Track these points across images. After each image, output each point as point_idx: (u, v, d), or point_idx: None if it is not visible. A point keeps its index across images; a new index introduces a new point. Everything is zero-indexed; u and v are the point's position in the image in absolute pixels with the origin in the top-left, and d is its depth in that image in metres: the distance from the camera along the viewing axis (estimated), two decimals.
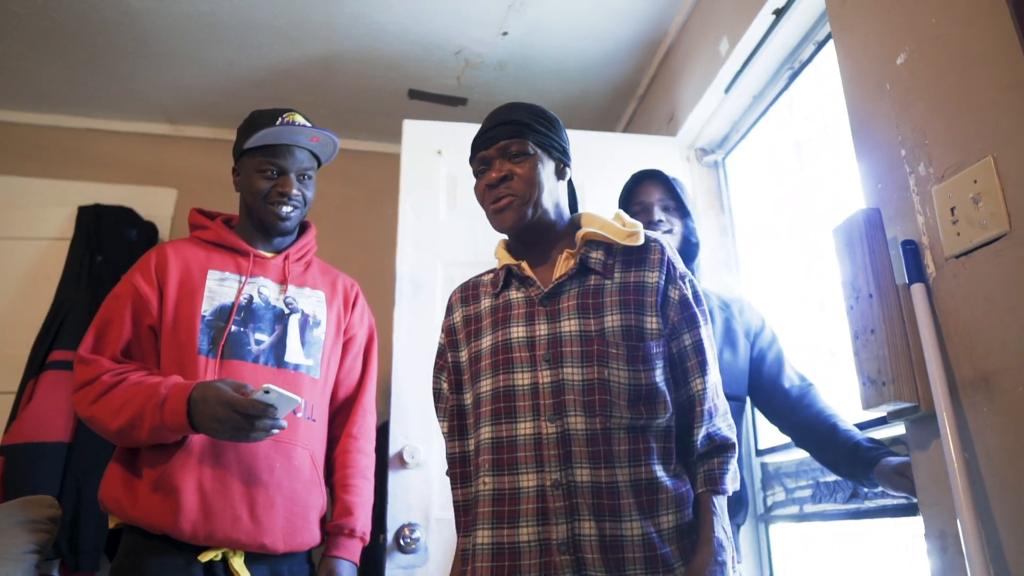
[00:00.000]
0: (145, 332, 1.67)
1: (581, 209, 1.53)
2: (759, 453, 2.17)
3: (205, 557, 1.53)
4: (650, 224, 1.82)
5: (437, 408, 1.50)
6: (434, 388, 1.51)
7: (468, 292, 1.51)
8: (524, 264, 1.42)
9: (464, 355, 1.44)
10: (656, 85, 2.79)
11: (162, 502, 1.51)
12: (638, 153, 2.43)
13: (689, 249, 1.87)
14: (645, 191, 1.88)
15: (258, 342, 1.69)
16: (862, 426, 1.70)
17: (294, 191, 1.77)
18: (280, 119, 1.75)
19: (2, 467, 2.39)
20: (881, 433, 1.66)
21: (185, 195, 3.13)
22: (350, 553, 1.74)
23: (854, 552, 1.88)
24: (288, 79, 2.89)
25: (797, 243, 2.13)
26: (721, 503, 1.31)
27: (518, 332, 1.36)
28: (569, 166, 1.48)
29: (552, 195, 1.44)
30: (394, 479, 2.03)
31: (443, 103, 2.98)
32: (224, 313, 1.69)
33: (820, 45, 1.99)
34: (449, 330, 1.50)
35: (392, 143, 3.22)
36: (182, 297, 1.68)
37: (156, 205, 3.07)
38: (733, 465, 1.33)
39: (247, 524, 1.56)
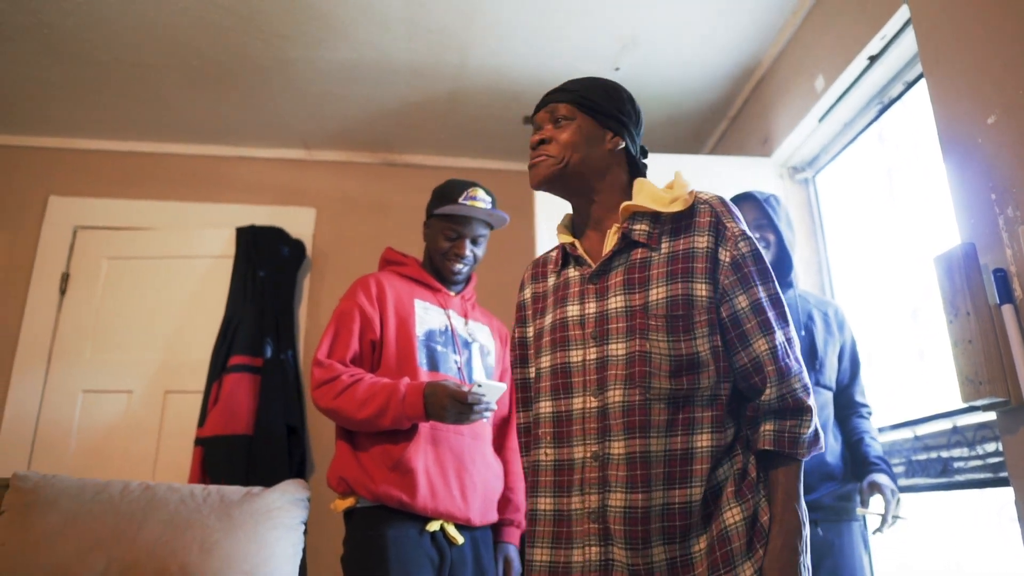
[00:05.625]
0: (367, 345, 2.07)
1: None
2: None
3: (432, 527, 1.94)
4: None
5: (514, 381, 1.56)
6: (511, 359, 1.57)
7: (538, 269, 1.54)
8: (576, 243, 1.44)
9: (530, 331, 1.50)
10: (749, 108, 3.11)
11: (401, 480, 1.91)
12: (737, 173, 2.76)
13: (783, 262, 2.16)
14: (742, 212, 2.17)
15: (455, 361, 2.12)
16: (954, 413, 2.04)
17: (467, 253, 2.19)
18: (465, 194, 2.16)
19: (201, 455, 2.85)
20: (970, 419, 1.99)
21: (323, 213, 3.54)
22: (516, 539, 2.21)
23: (945, 519, 2.22)
24: (417, 110, 3.27)
25: (888, 256, 2.45)
26: (794, 471, 1.28)
27: (572, 311, 1.39)
28: (623, 137, 1.45)
29: (597, 162, 1.42)
30: None
31: None
32: (433, 336, 2.11)
33: (909, 85, 2.29)
34: (520, 306, 1.55)
35: (506, 160, 3.62)
36: (400, 320, 2.08)
37: (299, 224, 3.47)
38: (811, 429, 1.29)
39: (459, 501, 1.97)
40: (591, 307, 1.37)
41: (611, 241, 1.40)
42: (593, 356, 1.33)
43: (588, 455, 1.29)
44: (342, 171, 3.64)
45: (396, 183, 3.62)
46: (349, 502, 1.99)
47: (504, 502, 2.21)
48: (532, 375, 1.47)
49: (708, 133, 3.46)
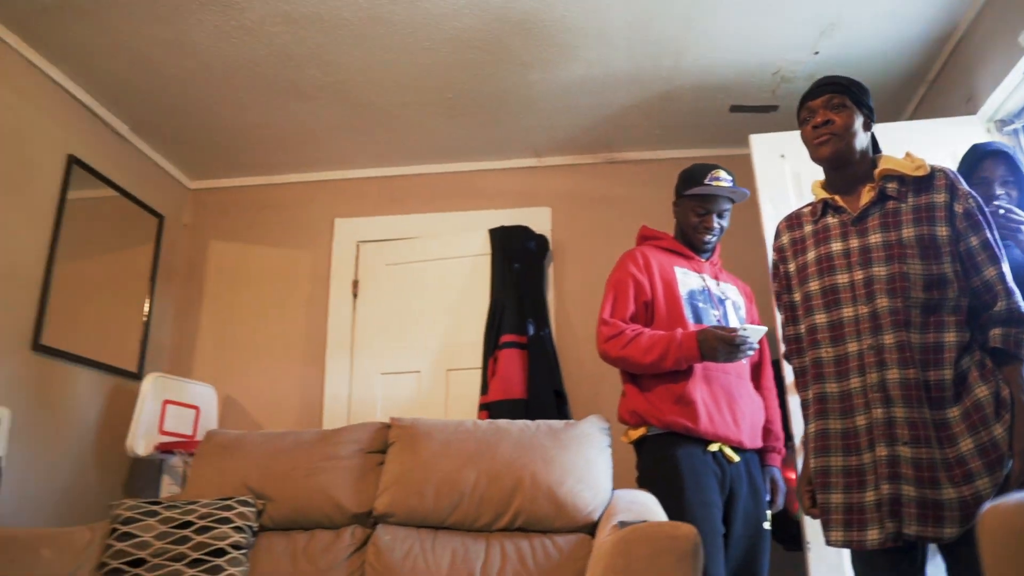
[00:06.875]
0: (640, 305, 2.55)
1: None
2: None
3: (712, 448, 2.39)
4: (990, 198, 2.27)
5: (777, 305, 2.10)
6: (775, 291, 2.11)
7: (793, 221, 2.08)
8: (837, 197, 1.94)
9: (792, 266, 2.02)
10: (948, 71, 3.32)
11: (684, 410, 2.37)
12: (943, 134, 2.99)
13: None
14: (988, 167, 2.33)
15: (714, 315, 2.56)
16: None
17: (715, 225, 2.62)
18: (709, 175, 2.59)
19: (487, 417, 3.46)
20: None
21: (557, 210, 4.10)
22: (779, 463, 2.64)
23: None
24: (633, 112, 3.75)
25: None
26: (1018, 369, 1.69)
27: (836, 246, 1.89)
28: (873, 121, 1.97)
29: (859, 141, 1.92)
30: (792, 401, 2.80)
31: (758, 112, 3.70)
32: (694, 295, 2.56)
33: None
34: (779, 249, 2.09)
35: (714, 147, 3.99)
36: (666, 284, 2.55)
37: (538, 221, 4.06)
38: None
39: (732, 427, 2.41)
40: (854, 242, 1.87)
41: (868, 195, 1.88)
42: (860, 277, 1.83)
43: (866, 347, 1.78)
44: (570, 172, 4.19)
45: (617, 178, 4.11)
46: (641, 431, 2.47)
47: (765, 432, 2.61)
48: (798, 298, 1.99)
49: (906, 100, 3.67)
